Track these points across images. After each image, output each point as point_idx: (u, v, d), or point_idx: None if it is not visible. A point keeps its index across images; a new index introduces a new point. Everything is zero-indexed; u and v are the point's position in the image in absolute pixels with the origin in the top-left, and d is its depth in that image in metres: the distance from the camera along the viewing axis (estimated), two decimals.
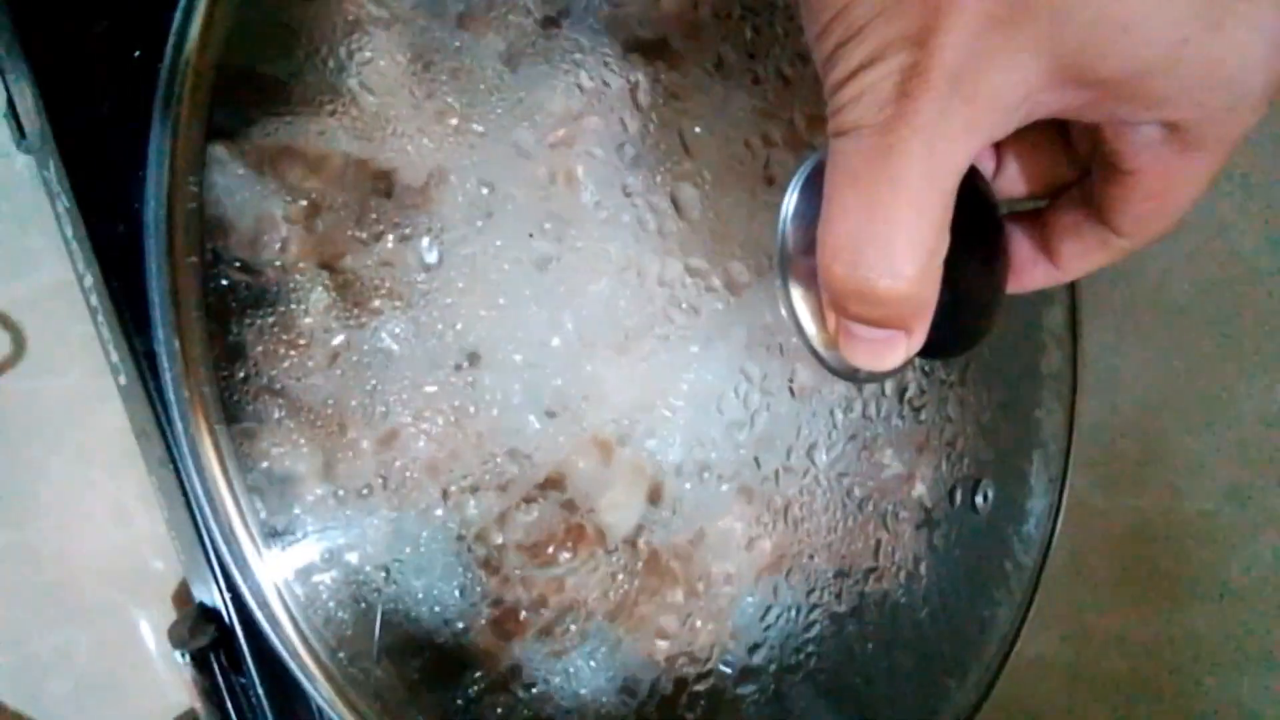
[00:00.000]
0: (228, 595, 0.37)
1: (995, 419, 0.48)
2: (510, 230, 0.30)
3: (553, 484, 0.35)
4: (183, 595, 0.45)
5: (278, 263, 0.28)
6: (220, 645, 0.38)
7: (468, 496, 0.32)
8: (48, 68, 0.35)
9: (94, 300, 0.39)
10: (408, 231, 0.28)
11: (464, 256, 0.30)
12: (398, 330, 0.28)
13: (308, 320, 0.27)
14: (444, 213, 0.29)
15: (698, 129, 0.34)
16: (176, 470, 0.36)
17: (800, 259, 0.28)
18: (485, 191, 0.32)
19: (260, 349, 0.28)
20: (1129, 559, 0.60)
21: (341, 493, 0.30)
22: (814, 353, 0.29)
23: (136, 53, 0.36)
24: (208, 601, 0.40)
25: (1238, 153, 0.24)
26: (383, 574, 0.30)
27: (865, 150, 0.22)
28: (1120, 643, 0.61)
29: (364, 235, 0.28)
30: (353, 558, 0.30)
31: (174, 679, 0.45)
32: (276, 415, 0.29)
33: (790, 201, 0.29)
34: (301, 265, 0.28)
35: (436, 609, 0.34)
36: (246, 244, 0.28)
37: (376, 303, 0.28)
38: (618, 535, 0.35)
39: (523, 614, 0.35)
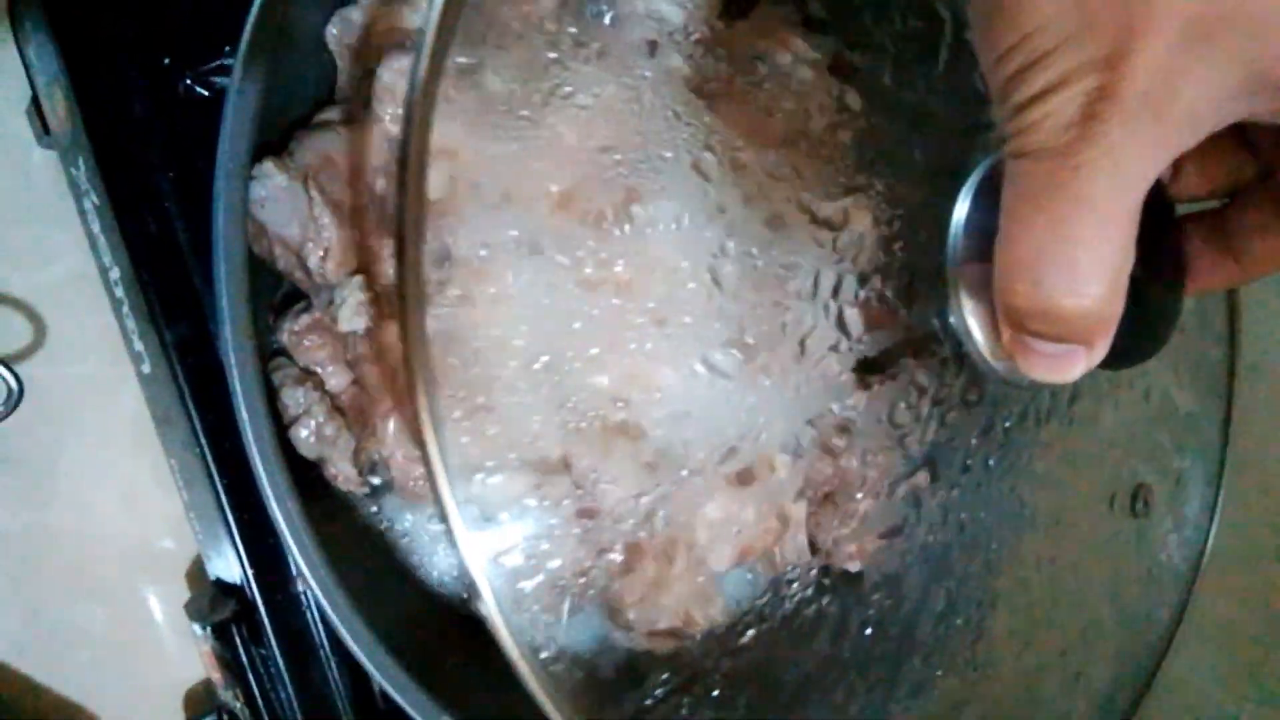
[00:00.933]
0: (251, 571, 0.39)
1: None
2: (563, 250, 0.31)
3: None
4: (196, 573, 0.47)
5: (320, 269, 0.30)
6: (241, 618, 0.40)
7: None
8: (80, 70, 0.37)
9: (119, 292, 0.41)
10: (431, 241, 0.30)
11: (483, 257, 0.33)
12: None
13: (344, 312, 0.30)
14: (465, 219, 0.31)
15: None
16: (201, 453, 0.39)
17: (968, 269, 0.28)
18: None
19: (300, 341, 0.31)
20: None
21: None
22: (982, 361, 0.29)
23: (166, 59, 0.38)
24: (226, 578, 0.43)
25: None
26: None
27: (1049, 171, 0.22)
28: None
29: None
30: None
31: (186, 652, 0.47)
32: (315, 404, 0.31)
33: (960, 210, 0.28)
34: (341, 269, 0.30)
35: None
36: (294, 251, 0.30)
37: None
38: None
39: None
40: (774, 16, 0.40)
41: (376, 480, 0.33)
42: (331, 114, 0.33)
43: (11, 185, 0.44)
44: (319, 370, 0.32)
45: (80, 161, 0.39)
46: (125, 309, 0.41)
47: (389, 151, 0.31)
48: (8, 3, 0.41)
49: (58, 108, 0.39)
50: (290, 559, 0.39)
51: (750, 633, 0.43)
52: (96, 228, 0.40)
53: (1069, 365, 0.25)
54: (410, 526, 0.36)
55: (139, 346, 0.41)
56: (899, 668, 0.40)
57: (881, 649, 0.40)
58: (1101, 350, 0.25)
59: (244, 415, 0.26)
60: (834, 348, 0.35)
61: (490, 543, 0.28)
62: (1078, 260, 0.22)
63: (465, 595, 0.37)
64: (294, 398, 0.32)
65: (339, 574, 0.31)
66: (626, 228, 0.34)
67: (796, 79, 0.38)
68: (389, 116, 0.31)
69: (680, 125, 0.34)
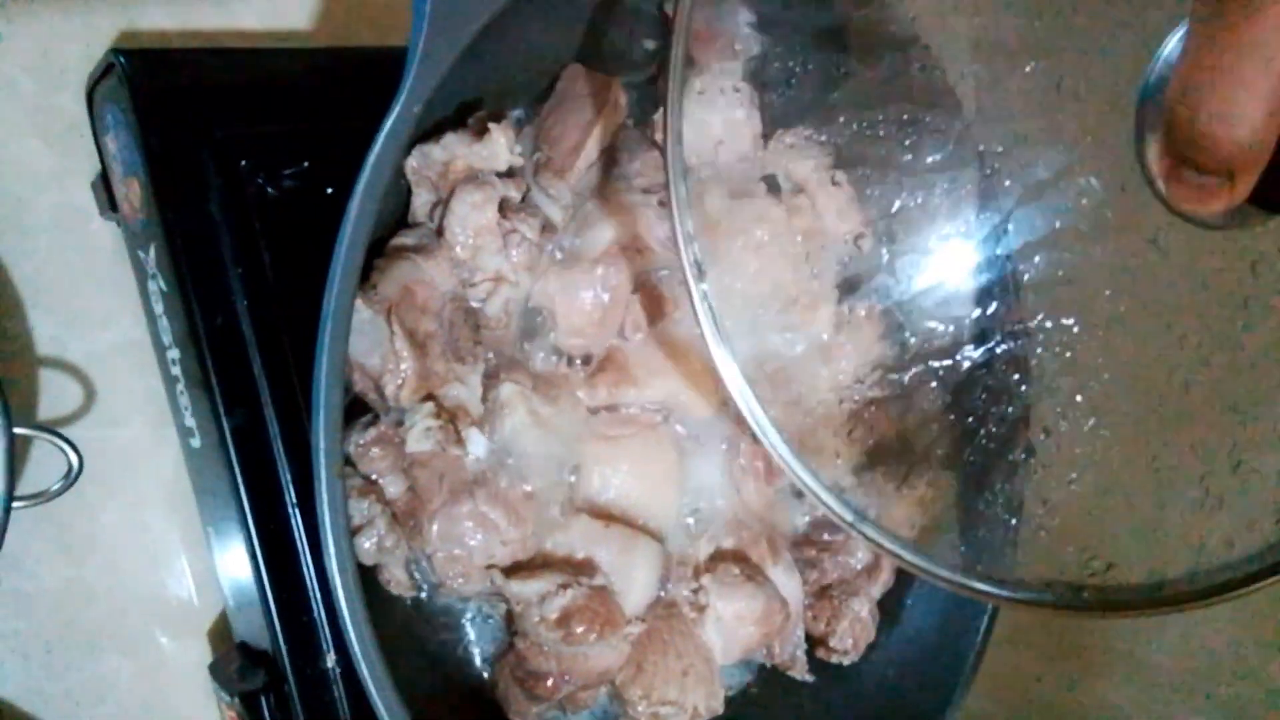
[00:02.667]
0: (285, 645, 0.41)
1: None
2: None
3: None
4: (219, 633, 0.49)
5: (396, 397, 0.32)
6: (270, 689, 0.42)
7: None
8: (161, 166, 0.39)
9: (175, 370, 0.43)
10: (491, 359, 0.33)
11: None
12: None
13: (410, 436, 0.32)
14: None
15: None
16: (246, 531, 0.41)
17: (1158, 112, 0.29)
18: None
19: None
20: (1061, 632, 0.67)
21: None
22: (1156, 192, 0.30)
23: (243, 161, 0.40)
24: (253, 644, 0.45)
25: None
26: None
27: (1226, 12, 0.23)
28: (1048, 709, 0.68)
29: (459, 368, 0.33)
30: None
31: (205, 710, 0.49)
32: (378, 516, 0.34)
33: (1163, 53, 0.30)
34: (414, 397, 0.33)
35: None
36: (372, 378, 0.33)
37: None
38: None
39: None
40: None
41: (425, 591, 0.35)
42: (407, 239, 0.36)
43: (71, 252, 0.46)
44: (380, 480, 0.34)
45: (151, 248, 0.41)
46: (180, 386, 0.43)
47: (458, 277, 0.34)
48: (86, 91, 0.43)
49: (132, 196, 0.41)
50: (321, 637, 0.41)
51: None
52: (160, 309, 0.42)
53: (1210, 197, 0.27)
54: (450, 620, 0.38)
55: (190, 422, 0.43)
56: None
57: None
58: (1244, 189, 0.26)
59: (326, 522, 0.29)
60: None
61: None
62: (1235, 95, 0.24)
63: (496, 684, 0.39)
64: (359, 508, 0.34)
65: (385, 661, 0.33)
66: None
67: None
68: (460, 245, 0.34)
69: None
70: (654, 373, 0.44)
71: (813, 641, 0.50)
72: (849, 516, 0.34)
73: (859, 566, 0.51)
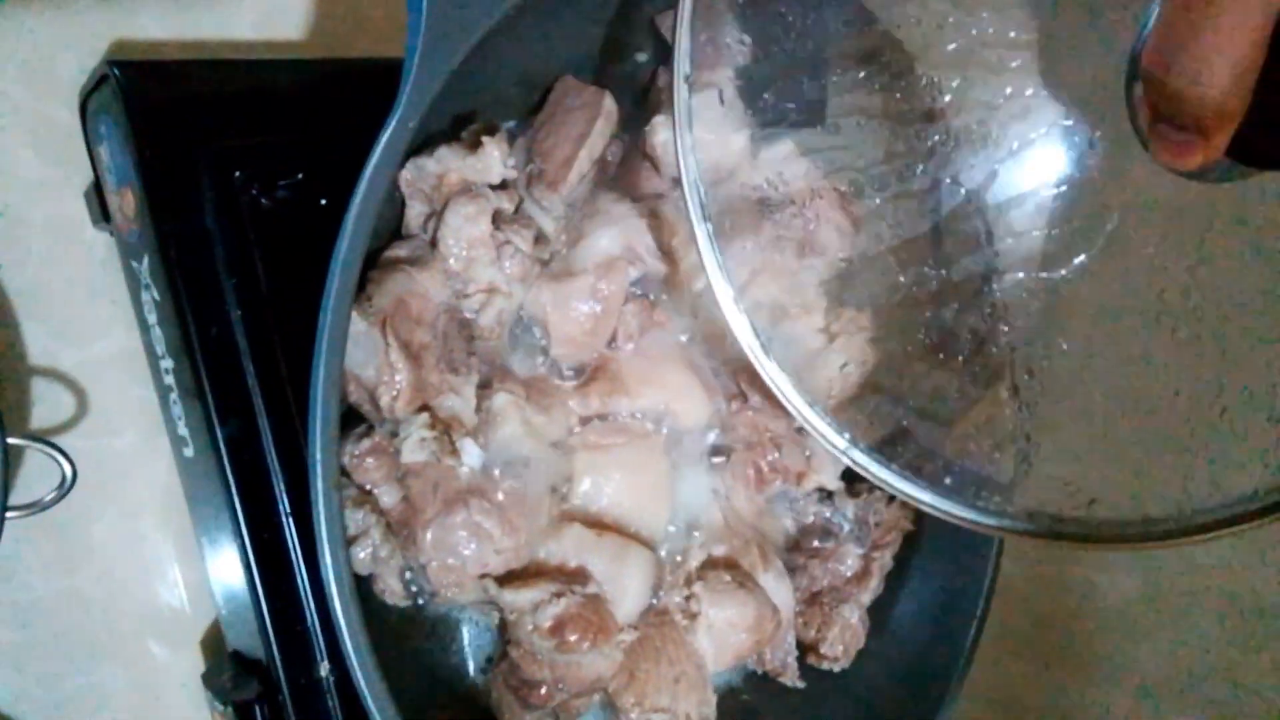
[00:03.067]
0: (279, 654, 0.41)
1: None
2: None
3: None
4: (211, 642, 0.49)
5: (391, 408, 0.33)
6: (264, 698, 0.42)
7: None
8: (155, 178, 0.39)
9: (169, 380, 0.43)
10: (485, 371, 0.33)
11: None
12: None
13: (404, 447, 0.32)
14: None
15: None
16: (241, 540, 0.41)
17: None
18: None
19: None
20: (1048, 637, 0.68)
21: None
22: (1144, 143, 0.31)
23: (237, 173, 0.40)
24: (246, 652, 0.45)
25: None
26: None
27: None
28: (1036, 715, 0.68)
29: (452, 379, 0.33)
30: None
31: (197, 717, 0.49)
32: (373, 526, 0.34)
33: (1153, 15, 0.30)
34: (408, 408, 0.33)
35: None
36: (367, 389, 0.33)
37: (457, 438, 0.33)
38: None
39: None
40: None
41: (419, 600, 0.35)
42: (400, 250, 0.36)
43: (63, 262, 0.46)
44: (374, 490, 0.35)
45: (145, 259, 0.41)
46: (173, 396, 0.43)
47: (452, 288, 0.34)
48: (79, 102, 0.43)
49: (126, 207, 0.41)
50: (315, 646, 0.41)
51: None
52: (153, 319, 0.42)
53: (1189, 152, 0.28)
54: (443, 627, 0.38)
55: (183, 432, 0.43)
56: None
57: None
58: (1219, 143, 0.28)
59: (323, 534, 0.29)
60: None
61: None
62: (1207, 55, 0.25)
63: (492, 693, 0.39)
64: (353, 518, 0.34)
65: (380, 670, 0.34)
66: None
67: None
68: (453, 257, 0.34)
69: None
70: (645, 382, 0.44)
71: (803, 648, 0.51)
72: (841, 444, 0.35)
73: (849, 573, 0.52)
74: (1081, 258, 0.40)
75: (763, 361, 0.37)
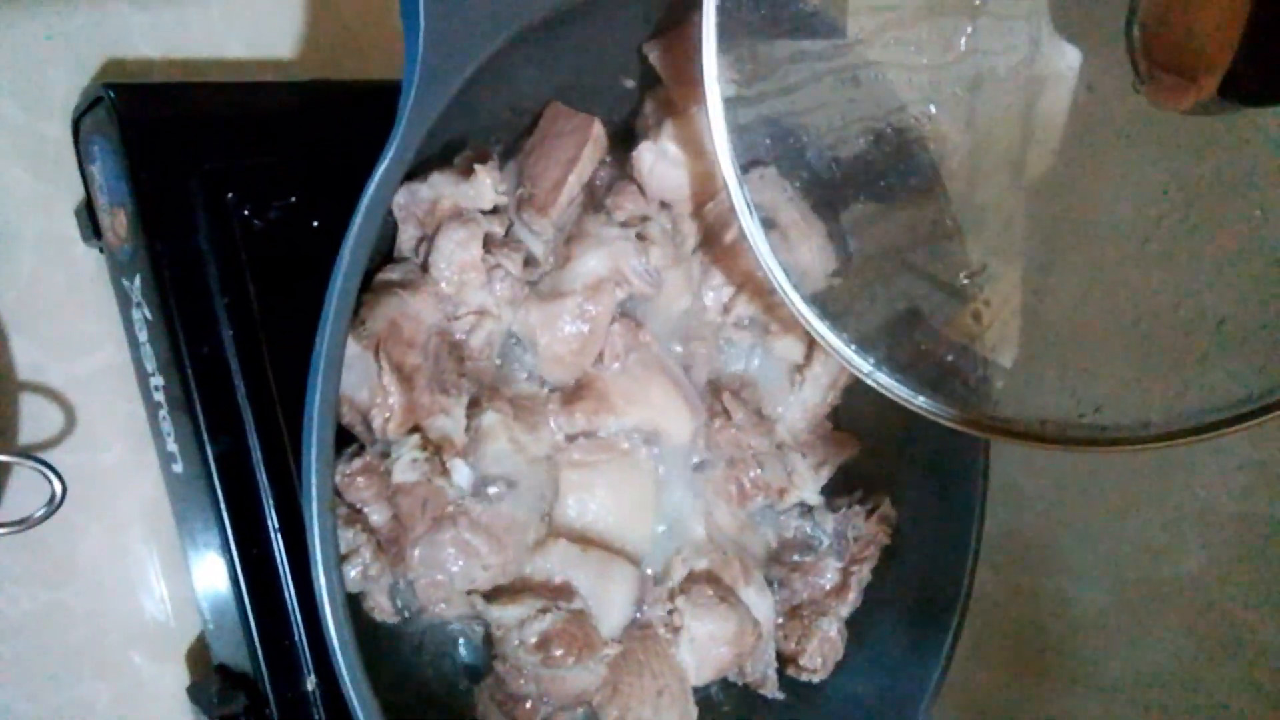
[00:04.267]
0: (266, 668, 0.42)
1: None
2: None
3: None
4: (197, 655, 0.50)
5: (383, 430, 0.33)
6: (251, 712, 0.43)
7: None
8: (148, 199, 0.40)
9: (158, 397, 0.43)
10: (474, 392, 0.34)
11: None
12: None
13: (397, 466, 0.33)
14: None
15: None
16: (229, 556, 0.41)
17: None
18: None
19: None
20: (1024, 649, 0.69)
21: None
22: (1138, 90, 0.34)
23: (230, 194, 0.41)
24: (232, 666, 0.45)
25: None
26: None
27: None
28: None
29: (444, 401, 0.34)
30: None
31: None
32: (363, 545, 0.35)
33: None
34: (400, 430, 0.34)
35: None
36: (360, 411, 0.34)
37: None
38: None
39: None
40: None
41: (407, 616, 0.36)
42: (393, 274, 0.37)
43: (53, 278, 0.47)
44: (364, 508, 0.35)
45: (137, 278, 0.41)
46: (163, 413, 0.43)
47: (443, 311, 0.35)
48: (72, 121, 0.44)
49: (118, 226, 0.42)
50: (302, 659, 0.42)
51: None
52: (144, 336, 0.43)
53: (1181, 95, 0.32)
54: (430, 641, 0.39)
55: (172, 448, 0.43)
56: None
57: None
58: (1209, 86, 0.31)
59: (317, 556, 0.29)
60: None
61: None
62: (1197, 10, 0.29)
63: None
64: (344, 537, 0.35)
65: (371, 684, 0.34)
66: None
67: None
68: (445, 280, 0.35)
69: None
70: (631, 400, 0.45)
71: (783, 660, 0.52)
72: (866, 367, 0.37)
73: (828, 587, 0.53)
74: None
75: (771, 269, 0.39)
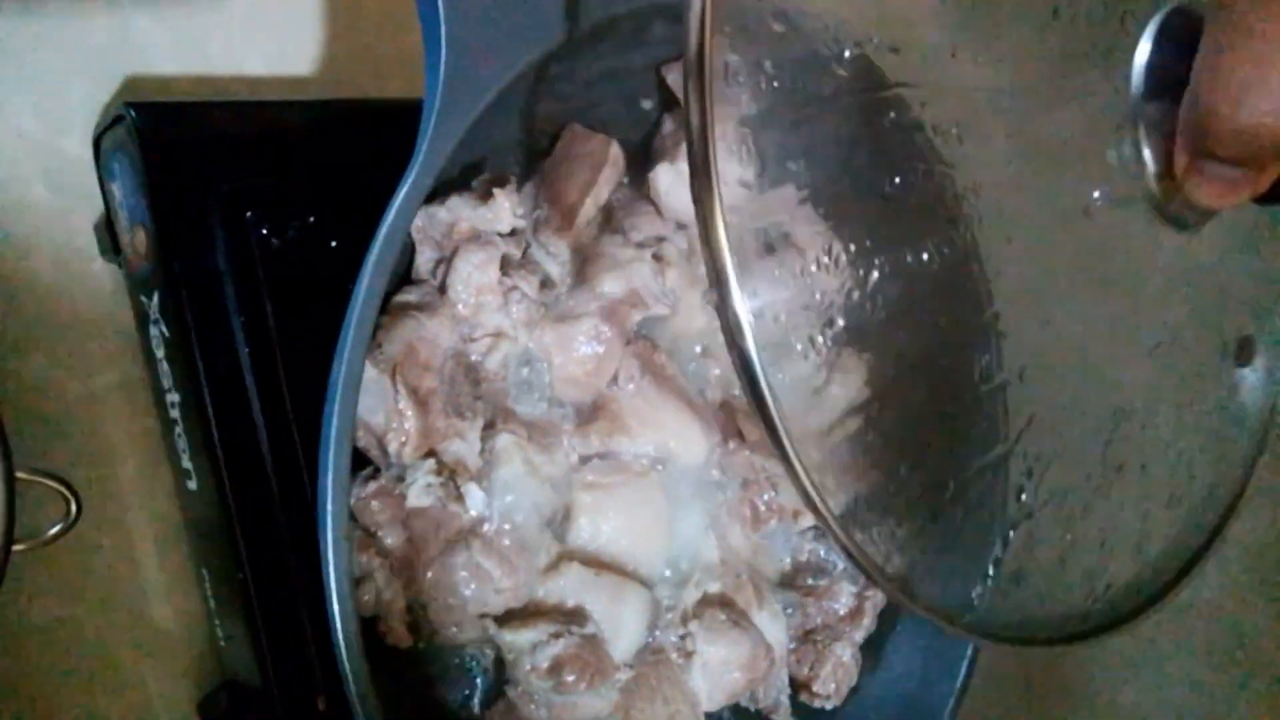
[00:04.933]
0: (276, 684, 0.42)
1: None
2: None
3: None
4: (208, 670, 0.50)
5: (398, 454, 0.33)
6: None
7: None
8: (167, 217, 0.40)
9: (174, 413, 0.43)
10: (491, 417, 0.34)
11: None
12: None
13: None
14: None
15: None
16: (243, 574, 0.41)
17: (1152, 104, 0.32)
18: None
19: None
20: (1038, 674, 0.69)
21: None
22: (1148, 192, 0.32)
23: (248, 213, 0.41)
24: (242, 680, 0.45)
25: None
26: None
27: (1262, 8, 0.25)
28: None
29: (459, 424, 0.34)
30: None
31: None
32: (377, 569, 0.35)
33: (1143, 50, 0.32)
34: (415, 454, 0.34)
35: None
36: (376, 435, 0.34)
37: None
38: None
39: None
40: None
41: (420, 640, 0.36)
42: (410, 296, 0.37)
43: (70, 294, 0.47)
44: (378, 531, 0.35)
45: (155, 295, 0.41)
46: (178, 430, 0.43)
47: (459, 333, 0.35)
48: (93, 139, 0.44)
49: (138, 244, 0.42)
50: (315, 677, 0.42)
51: None
52: (161, 353, 0.43)
53: (1236, 188, 0.29)
54: (442, 666, 0.39)
55: (187, 465, 0.43)
56: None
57: None
58: (1268, 179, 0.29)
59: (331, 583, 0.29)
60: None
61: None
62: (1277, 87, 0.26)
63: None
64: (358, 560, 0.35)
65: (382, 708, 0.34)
66: None
67: None
68: (462, 303, 0.35)
69: None
70: (645, 422, 0.45)
71: (796, 685, 0.51)
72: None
73: (843, 611, 0.52)
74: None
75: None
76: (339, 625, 0.28)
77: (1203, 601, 0.62)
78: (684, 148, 0.44)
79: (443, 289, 0.37)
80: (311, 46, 0.53)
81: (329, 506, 0.28)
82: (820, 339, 0.49)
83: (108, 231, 0.45)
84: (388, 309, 0.36)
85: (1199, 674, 0.63)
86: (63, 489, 0.40)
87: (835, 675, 0.51)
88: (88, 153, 0.45)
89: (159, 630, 0.49)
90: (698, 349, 0.49)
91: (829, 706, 0.51)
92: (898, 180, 0.47)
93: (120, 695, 0.48)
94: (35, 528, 0.41)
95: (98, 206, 0.46)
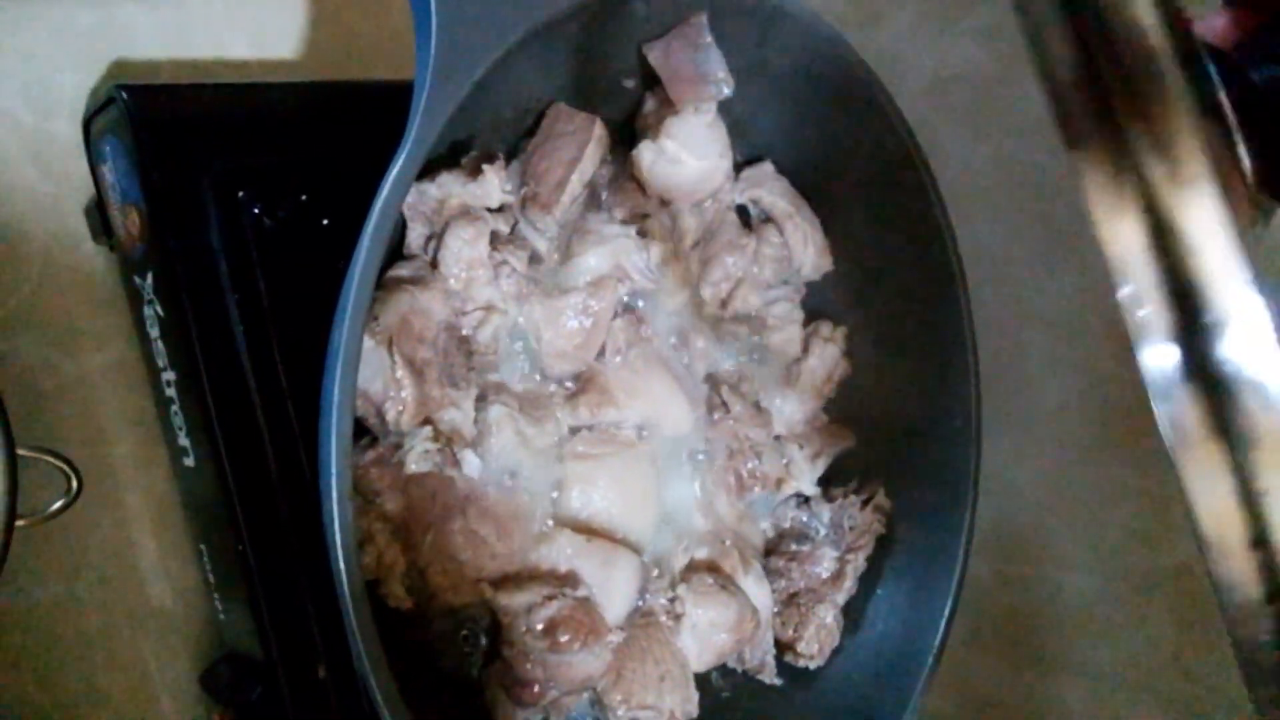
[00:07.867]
0: (279, 656, 0.43)
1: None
2: None
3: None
4: (209, 644, 0.51)
5: (396, 422, 0.34)
6: (264, 699, 0.44)
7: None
8: (160, 197, 0.41)
9: (170, 392, 0.44)
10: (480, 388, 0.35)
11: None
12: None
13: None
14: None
15: None
16: (243, 548, 0.42)
17: None
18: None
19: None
20: (1020, 636, 0.71)
21: None
22: None
23: (240, 193, 0.42)
24: (244, 654, 0.46)
25: None
26: None
27: None
28: (1001, 707, 0.71)
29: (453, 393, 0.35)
30: None
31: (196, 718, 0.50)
32: (378, 533, 0.36)
33: None
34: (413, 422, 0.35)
35: None
36: (374, 404, 0.35)
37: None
38: None
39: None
40: None
41: (418, 603, 0.37)
42: (403, 270, 0.38)
43: (63, 276, 0.48)
44: (378, 498, 0.36)
45: (149, 276, 0.42)
46: (174, 408, 0.44)
47: (451, 306, 0.36)
48: (83, 122, 0.45)
49: (131, 225, 0.42)
50: (316, 648, 0.43)
51: None
52: (156, 333, 0.44)
53: None
54: (441, 627, 0.40)
55: (184, 442, 0.44)
56: None
57: None
58: None
59: (337, 545, 0.30)
60: None
61: None
62: None
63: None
64: (358, 525, 0.36)
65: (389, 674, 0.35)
66: None
67: None
68: (453, 277, 0.36)
69: None
70: (632, 394, 0.46)
71: (781, 647, 0.53)
72: None
73: (825, 575, 0.54)
74: None
75: None
76: (345, 581, 0.29)
77: (1176, 564, 0.64)
78: (666, 125, 0.46)
79: (434, 263, 0.38)
80: (295, 31, 0.54)
81: (333, 469, 0.29)
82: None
83: (99, 214, 0.46)
84: (381, 283, 0.37)
85: (1173, 634, 0.65)
86: (63, 465, 0.41)
87: (818, 637, 0.53)
88: (77, 135, 0.45)
89: (158, 606, 0.50)
90: (682, 322, 0.50)
91: (812, 666, 0.53)
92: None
93: (122, 670, 0.49)
94: (35, 505, 0.42)
95: (87, 190, 0.46)
